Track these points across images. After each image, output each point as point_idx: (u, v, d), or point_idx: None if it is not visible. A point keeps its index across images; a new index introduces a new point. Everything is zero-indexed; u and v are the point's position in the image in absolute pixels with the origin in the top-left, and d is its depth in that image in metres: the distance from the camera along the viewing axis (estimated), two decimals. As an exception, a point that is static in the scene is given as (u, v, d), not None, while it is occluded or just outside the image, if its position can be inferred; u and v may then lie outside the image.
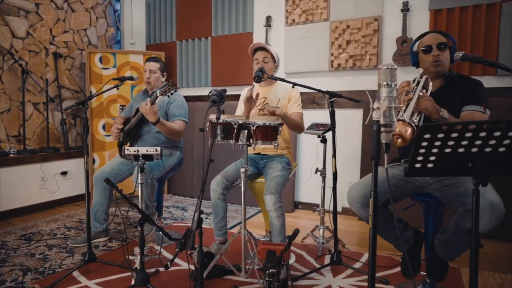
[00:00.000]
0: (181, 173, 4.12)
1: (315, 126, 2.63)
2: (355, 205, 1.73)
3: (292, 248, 2.57)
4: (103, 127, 3.99)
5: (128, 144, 2.71)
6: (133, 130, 2.64)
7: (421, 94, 1.58)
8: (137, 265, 2.11)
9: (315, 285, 2.06)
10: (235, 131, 1.93)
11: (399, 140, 1.35)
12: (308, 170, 3.56)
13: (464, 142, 1.19)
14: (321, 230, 2.66)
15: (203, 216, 3.48)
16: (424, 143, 1.21)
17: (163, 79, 2.81)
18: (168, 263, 2.02)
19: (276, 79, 2.18)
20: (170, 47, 4.33)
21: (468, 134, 1.15)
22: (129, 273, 2.19)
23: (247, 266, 2.06)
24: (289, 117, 2.21)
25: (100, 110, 3.96)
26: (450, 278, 1.98)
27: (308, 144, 3.65)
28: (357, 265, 2.34)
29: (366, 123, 1.17)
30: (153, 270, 2.21)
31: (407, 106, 1.50)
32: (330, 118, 2.20)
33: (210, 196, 2.27)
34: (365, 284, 2.08)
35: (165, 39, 4.40)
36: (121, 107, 3.72)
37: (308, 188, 3.67)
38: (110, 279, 2.12)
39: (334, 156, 2.21)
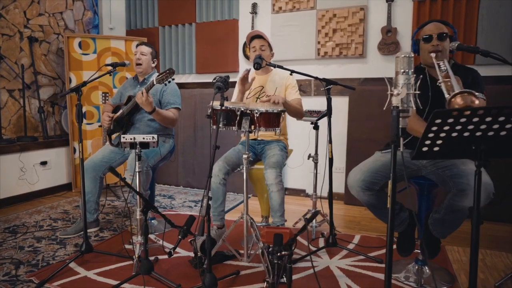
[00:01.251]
0: (166, 162, 4.08)
1: (307, 113, 2.68)
2: (355, 189, 1.80)
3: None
4: (84, 115, 3.85)
5: (121, 132, 2.64)
6: (125, 118, 2.58)
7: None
8: (136, 254, 2.10)
9: (314, 267, 2.14)
10: (238, 118, 1.94)
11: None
12: (295, 157, 3.62)
13: (470, 127, 1.27)
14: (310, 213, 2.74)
15: (192, 203, 3.50)
16: (434, 128, 1.28)
17: (153, 65, 2.74)
18: (172, 250, 2.02)
19: (275, 66, 2.20)
20: (152, 33, 4.21)
21: (476, 119, 1.23)
22: (128, 262, 2.17)
23: (248, 251, 2.10)
24: (290, 103, 2.24)
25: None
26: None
27: (294, 131, 3.70)
28: (350, 246, 2.44)
29: (384, 108, 1.20)
30: (152, 258, 2.20)
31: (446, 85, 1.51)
32: (327, 105, 2.26)
33: (211, 181, 2.27)
34: (361, 263, 2.19)
35: (146, 24, 4.27)
36: (103, 95, 3.60)
37: (295, 175, 3.74)
38: (109, 269, 2.10)
39: (330, 141, 2.27)
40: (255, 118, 1.93)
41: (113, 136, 2.74)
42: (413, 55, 1.18)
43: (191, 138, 4.08)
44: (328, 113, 2.25)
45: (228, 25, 3.87)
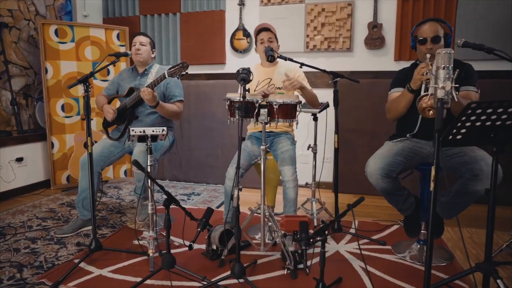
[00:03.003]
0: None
1: (307, 105, 2.76)
2: (375, 177, 1.91)
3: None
4: (62, 107, 3.63)
5: (124, 126, 2.54)
6: (128, 111, 2.49)
7: None
8: (151, 249, 2.07)
9: (326, 251, 2.23)
10: (256, 109, 1.97)
11: (431, 112, 1.54)
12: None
13: (493, 117, 1.41)
14: (313, 202, 2.84)
15: (184, 196, 3.45)
16: (463, 118, 1.40)
17: (153, 56, 2.66)
18: (192, 243, 2.02)
19: (285, 58, 2.24)
20: (133, 22, 4.04)
21: (500, 110, 1.36)
22: (140, 258, 2.13)
23: (265, 240, 2.15)
24: (308, 89, 2.32)
25: (57, 90, 3.59)
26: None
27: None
28: (352, 231, 2.57)
29: (418, 99, 1.30)
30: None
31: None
32: (334, 97, 2.35)
33: (225, 184, 2.31)
34: (367, 246, 2.33)
35: (126, 12, 4.08)
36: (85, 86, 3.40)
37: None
38: (123, 266, 2.05)
39: (336, 132, 2.37)
40: (274, 109, 1.96)
41: (110, 129, 2.64)
42: (453, 51, 1.28)
43: (177, 131, 4.00)
44: (335, 104, 2.34)
45: (215, 16, 3.82)
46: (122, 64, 3.88)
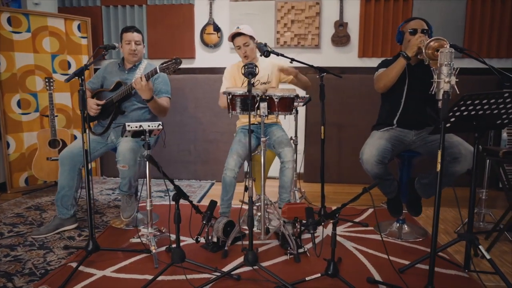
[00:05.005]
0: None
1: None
2: (370, 163, 2.09)
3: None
4: (18, 103, 3.33)
5: (110, 120, 2.43)
6: (114, 105, 2.38)
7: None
8: (152, 246, 2.04)
9: (317, 236, 2.38)
10: (257, 103, 2.03)
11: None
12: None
13: (478, 107, 1.64)
14: (296, 192, 2.99)
15: (161, 193, 3.37)
16: (456, 108, 1.61)
17: (144, 52, 2.58)
18: (198, 237, 2.03)
19: (277, 54, 2.32)
20: (94, 12, 3.81)
21: (492, 101, 1.59)
22: (140, 256, 2.08)
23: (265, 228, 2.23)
24: (301, 75, 2.50)
25: (13, 84, 3.29)
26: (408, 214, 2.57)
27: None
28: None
29: (432, 92, 1.46)
30: (163, 248, 2.16)
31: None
32: (320, 91, 2.49)
33: (225, 175, 2.33)
34: (353, 229, 2.53)
35: (85, 2, 3.83)
36: (46, 80, 3.15)
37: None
38: (124, 265, 1.99)
39: (323, 124, 2.52)
40: (275, 103, 2.04)
41: (92, 123, 2.51)
42: (454, 51, 1.47)
43: (145, 127, 3.89)
44: (321, 98, 2.49)
45: (183, 9, 3.76)
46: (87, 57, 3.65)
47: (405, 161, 2.39)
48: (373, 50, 3.63)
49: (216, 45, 3.80)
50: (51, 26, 3.44)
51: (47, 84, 3.16)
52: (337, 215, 1.74)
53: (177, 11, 3.77)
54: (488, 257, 1.73)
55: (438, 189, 1.50)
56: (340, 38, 3.65)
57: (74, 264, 1.96)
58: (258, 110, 2.06)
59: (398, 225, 2.46)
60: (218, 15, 3.76)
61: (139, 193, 2.57)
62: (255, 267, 1.82)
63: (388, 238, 2.38)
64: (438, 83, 1.47)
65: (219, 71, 3.84)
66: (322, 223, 1.83)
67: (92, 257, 2.04)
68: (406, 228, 2.44)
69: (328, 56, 3.71)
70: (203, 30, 3.78)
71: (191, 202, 1.91)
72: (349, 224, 2.63)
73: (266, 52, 2.19)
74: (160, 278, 1.82)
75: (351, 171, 3.68)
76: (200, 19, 3.79)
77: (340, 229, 2.51)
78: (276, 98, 2.04)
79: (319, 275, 1.79)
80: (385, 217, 2.65)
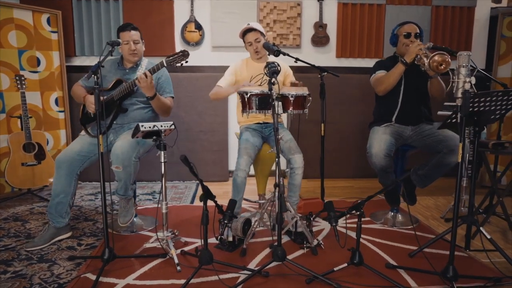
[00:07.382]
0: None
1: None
2: (379, 157, 2.23)
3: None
4: (-18, 104, 2.99)
5: (110, 120, 2.28)
6: (115, 104, 2.25)
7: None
8: (171, 253, 1.98)
9: (321, 230, 2.48)
10: (274, 102, 2.06)
11: (442, 66, 1.92)
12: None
13: (482, 104, 1.84)
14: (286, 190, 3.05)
15: (149, 196, 3.26)
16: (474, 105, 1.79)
17: (144, 49, 2.47)
18: (221, 236, 2.01)
19: (284, 54, 2.37)
20: (63, 6, 3.52)
21: (494, 98, 1.80)
22: (157, 261, 2.01)
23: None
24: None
25: (-25, 82, 2.94)
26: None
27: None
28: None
29: (447, 91, 1.59)
30: (178, 251, 2.11)
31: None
32: (320, 89, 2.60)
33: (236, 176, 2.31)
34: (351, 220, 2.67)
35: (53, -7, 3.54)
36: (16, 78, 2.87)
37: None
38: (144, 272, 1.91)
39: (323, 121, 2.62)
40: (291, 101, 2.09)
41: (88, 125, 2.35)
42: (471, 53, 1.64)
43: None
44: (322, 96, 2.59)
45: (163, 5, 3.64)
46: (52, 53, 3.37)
47: (400, 154, 2.59)
48: (350, 51, 3.82)
49: (198, 43, 3.73)
50: (17, 19, 3.13)
51: (18, 82, 2.88)
52: (361, 207, 1.85)
53: (156, 7, 3.64)
54: (488, 236, 1.95)
55: (459, 177, 1.65)
56: (320, 39, 3.80)
57: (89, 275, 1.85)
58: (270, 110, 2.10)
59: (392, 214, 2.65)
60: (199, 12, 3.70)
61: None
62: (283, 262, 1.86)
63: (384, 227, 2.55)
64: (457, 83, 1.63)
65: (201, 69, 3.80)
66: (347, 216, 1.92)
67: (106, 266, 1.93)
68: (400, 217, 2.64)
69: (308, 56, 3.84)
70: (184, 28, 3.69)
71: (216, 202, 1.89)
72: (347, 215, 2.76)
73: (276, 51, 2.23)
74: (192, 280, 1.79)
75: (332, 166, 3.85)
76: (180, 16, 3.70)
77: (340, 222, 2.63)
78: (292, 97, 2.09)
79: (345, 264, 1.88)
80: (378, 207, 2.84)
